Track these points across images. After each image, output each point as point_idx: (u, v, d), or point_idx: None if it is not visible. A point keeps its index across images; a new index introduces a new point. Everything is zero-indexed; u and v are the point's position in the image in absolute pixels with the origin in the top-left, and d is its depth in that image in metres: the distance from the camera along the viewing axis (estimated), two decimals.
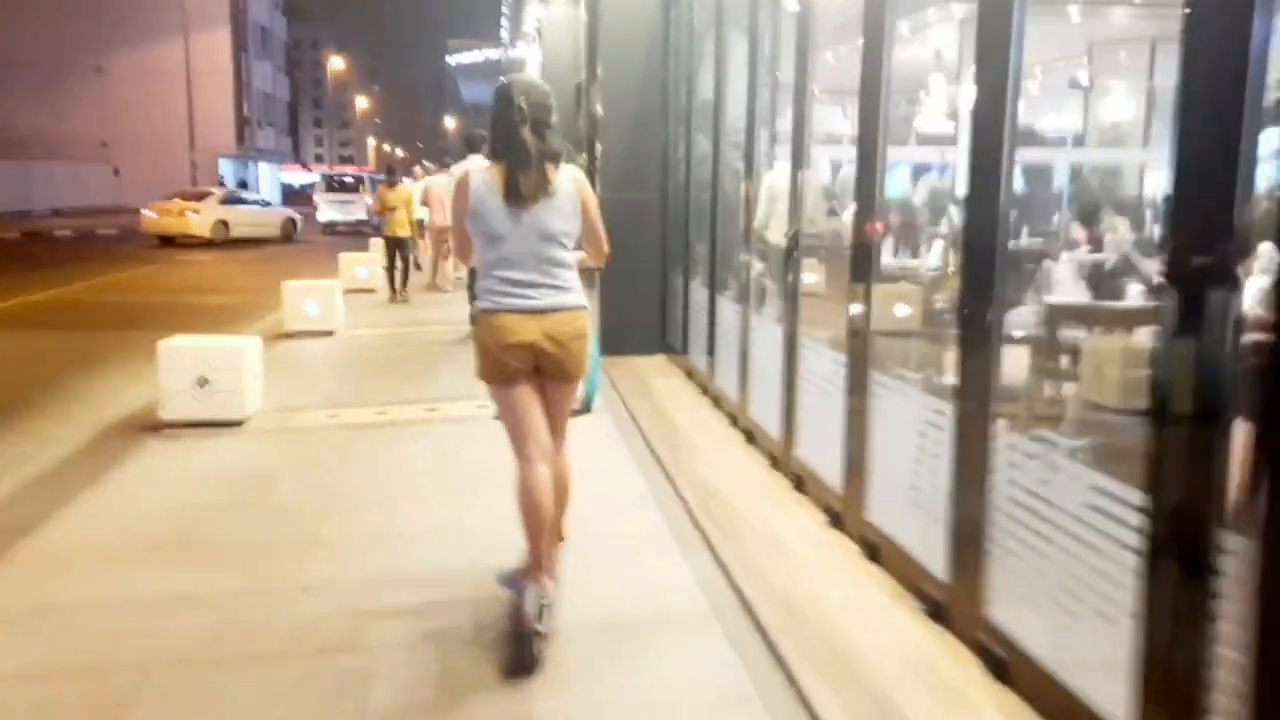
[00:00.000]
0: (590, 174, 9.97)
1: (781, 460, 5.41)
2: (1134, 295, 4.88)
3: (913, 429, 3.97)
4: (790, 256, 5.27)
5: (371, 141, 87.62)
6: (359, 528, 4.80)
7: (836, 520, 4.55)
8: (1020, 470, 3.20)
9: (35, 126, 44.57)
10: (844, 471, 4.48)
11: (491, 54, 31.10)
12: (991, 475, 3.30)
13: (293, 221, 29.01)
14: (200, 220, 25.84)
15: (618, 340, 8.95)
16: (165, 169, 45.20)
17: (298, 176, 51.87)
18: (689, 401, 7.22)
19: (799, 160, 5.21)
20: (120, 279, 18.04)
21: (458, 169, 9.02)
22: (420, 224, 14.73)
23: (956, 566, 3.51)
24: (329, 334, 10.73)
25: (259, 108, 55.68)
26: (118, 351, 10.09)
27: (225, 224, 26.30)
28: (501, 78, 3.77)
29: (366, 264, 14.78)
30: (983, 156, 3.27)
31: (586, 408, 4.17)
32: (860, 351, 4.35)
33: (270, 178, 55.93)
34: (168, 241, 25.87)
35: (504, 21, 26.15)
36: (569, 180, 3.57)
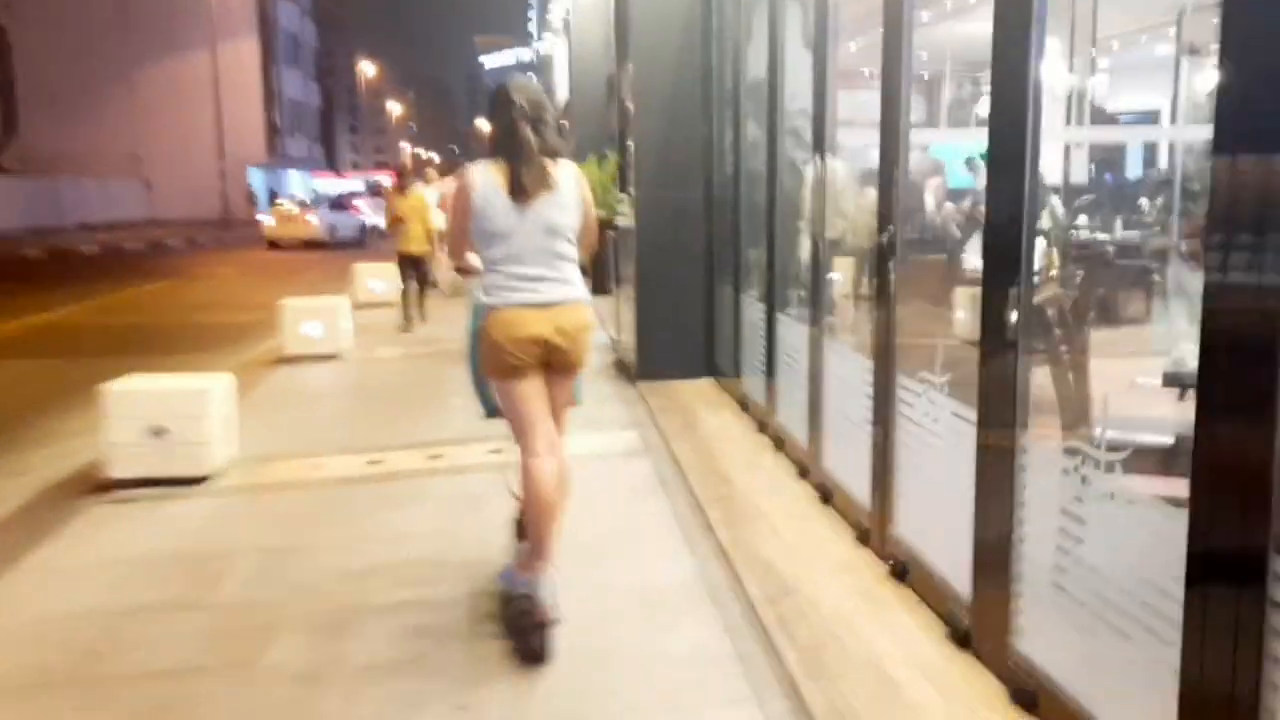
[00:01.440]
0: (622, 171, 8.78)
1: (873, 535, 4.14)
2: None
3: (1082, 509, 2.72)
4: (884, 264, 4.00)
5: (406, 147, 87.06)
6: (320, 642, 3.61)
7: (963, 639, 3.28)
8: None
9: (66, 143, 44.20)
10: (972, 569, 3.22)
11: (523, 54, 30.31)
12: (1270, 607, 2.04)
13: (364, 226, 31.95)
14: (319, 225, 29.37)
15: (658, 362, 7.75)
16: (195, 181, 44.72)
17: (333, 184, 50.75)
18: (745, 443, 5.96)
19: (891, 147, 3.94)
20: (134, 296, 17.13)
21: None
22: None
23: None
24: (333, 358, 9.60)
25: (289, 116, 55.05)
26: (100, 383, 9.02)
27: (334, 227, 29.91)
28: (512, 78, 3.77)
29: (382, 276, 13.67)
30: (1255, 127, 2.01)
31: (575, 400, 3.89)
32: (1001, 390, 3.07)
33: (302, 186, 55.32)
34: (275, 245, 28.76)
35: (531, 14, 25.12)
36: (569, 175, 3.64)
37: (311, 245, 28.46)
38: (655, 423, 6.48)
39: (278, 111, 52.17)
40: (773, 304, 5.91)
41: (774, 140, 5.89)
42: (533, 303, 3.52)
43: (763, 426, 6.08)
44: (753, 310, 6.58)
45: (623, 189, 8.49)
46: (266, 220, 30.77)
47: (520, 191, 3.51)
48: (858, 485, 4.35)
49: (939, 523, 3.59)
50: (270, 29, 50.92)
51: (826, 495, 4.78)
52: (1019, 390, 3.00)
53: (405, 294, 11.52)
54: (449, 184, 12.94)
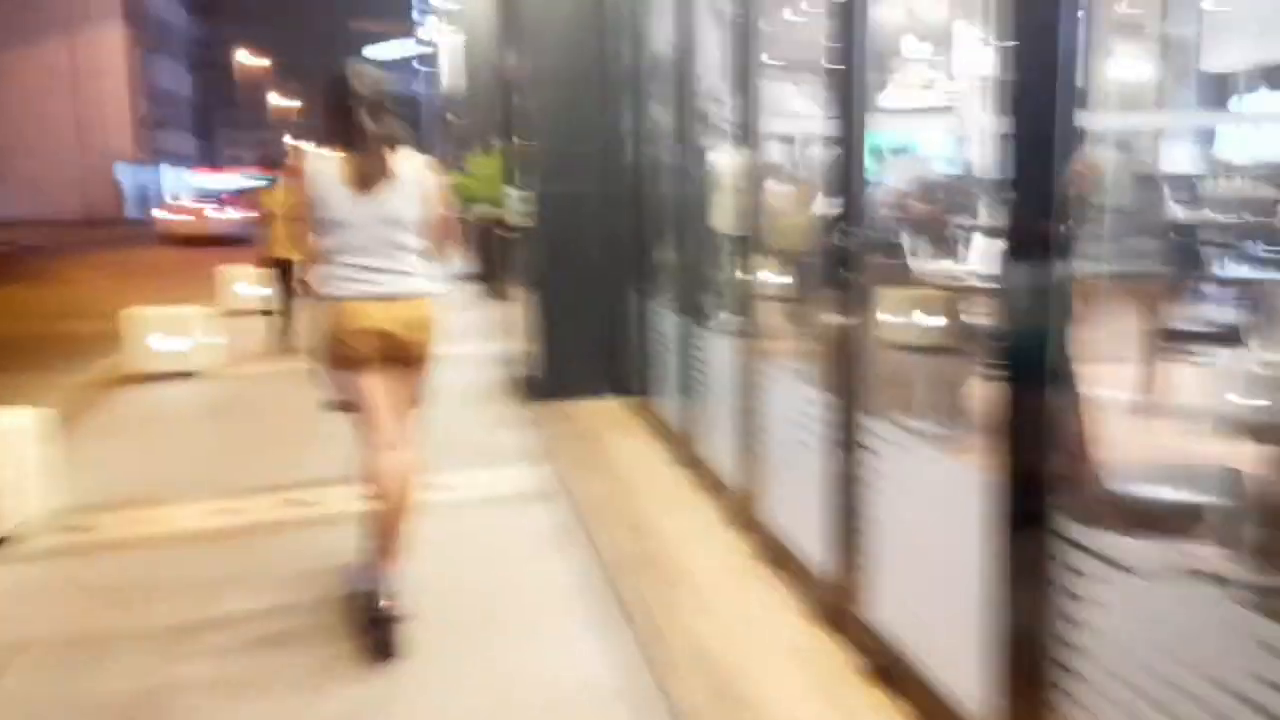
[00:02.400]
0: (509, 165, 7.89)
1: (835, 613, 3.35)
2: None
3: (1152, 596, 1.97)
4: (839, 270, 3.19)
5: (289, 140, 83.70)
6: None
7: None
8: None
9: None
10: (1000, 682, 2.43)
11: (408, 48, 29.01)
12: None
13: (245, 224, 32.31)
14: (214, 221, 29.81)
15: (558, 379, 6.88)
16: (55, 176, 41.98)
17: (214, 180, 47.35)
18: (662, 480, 5.13)
19: (847, 131, 3.13)
20: None
21: None
22: None
23: None
24: (190, 376, 8.46)
25: (162, 108, 52.19)
26: None
27: (224, 223, 29.99)
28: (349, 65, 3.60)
29: (251, 279, 12.41)
30: None
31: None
32: (1028, 429, 2.31)
33: (177, 184, 52.53)
34: (171, 240, 28.86)
35: (415, 3, 23.89)
36: (412, 165, 3.57)
37: (201, 241, 28.42)
38: (556, 454, 5.61)
39: (148, 103, 49.34)
40: (690, 313, 5.09)
41: (684, 127, 5.07)
42: (371, 295, 3.48)
43: (681, 457, 5.27)
44: (665, 320, 5.77)
45: (512, 183, 7.58)
46: (163, 216, 31.58)
47: (358, 181, 3.45)
48: (811, 541, 3.57)
49: (937, 603, 2.82)
50: (138, 13, 48.07)
51: (768, 551, 3.97)
52: (1053, 427, 2.22)
53: (274, 305, 9.69)
54: None
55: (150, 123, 49.95)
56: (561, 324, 6.89)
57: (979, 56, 10.50)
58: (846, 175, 3.14)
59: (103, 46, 44.44)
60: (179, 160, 55.26)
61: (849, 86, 3.13)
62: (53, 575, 4.23)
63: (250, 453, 6.09)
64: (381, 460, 3.52)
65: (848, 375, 3.17)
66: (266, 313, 9.59)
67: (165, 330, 8.56)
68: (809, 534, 3.53)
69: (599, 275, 6.93)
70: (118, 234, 36.11)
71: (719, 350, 4.76)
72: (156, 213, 32.55)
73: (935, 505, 2.82)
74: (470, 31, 16.05)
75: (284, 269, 9.45)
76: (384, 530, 3.52)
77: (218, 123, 76.59)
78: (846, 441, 3.21)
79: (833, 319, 3.22)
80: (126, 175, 46.64)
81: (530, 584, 3.95)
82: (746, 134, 4.24)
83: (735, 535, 4.26)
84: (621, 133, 6.68)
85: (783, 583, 3.75)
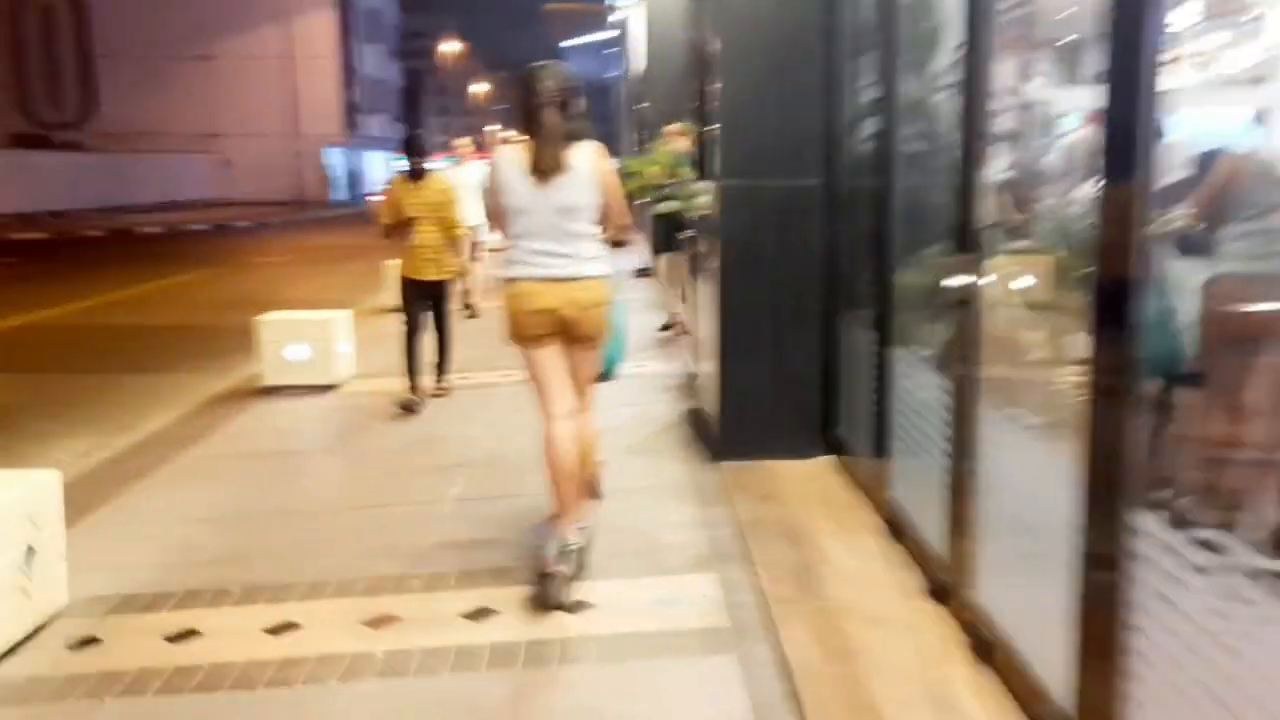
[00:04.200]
0: (702, 152, 6.30)
1: None
2: None
3: None
4: None
5: (490, 127, 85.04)
6: None
7: None
8: None
9: (141, 118, 43.13)
10: None
11: (603, 34, 27.88)
12: None
13: None
14: None
15: (750, 431, 5.27)
16: (270, 159, 43.42)
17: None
18: (912, 631, 3.37)
19: None
20: (163, 289, 15.23)
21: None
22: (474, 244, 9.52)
23: None
24: (325, 390, 7.32)
25: (369, 95, 53.39)
26: (46, 406, 7.11)
27: None
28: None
29: None
30: None
31: (607, 375, 4.06)
32: None
33: (383, 167, 53.65)
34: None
35: None
36: (586, 156, 3.76)
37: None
38: (748, 556, 3.98)
39: (356, 90, 50.54)
40: (957, 372, 3.31)
41: (976, 101, 3.29)
42: (544, 277, 3.74)
43: (940, 589, 3.51)
44: (915, 373, 4.03)
45: (702, 174, 5.98)
46: (376, 200, 33.29)
47: (537, 171, 3.69)
48: None
49: None
50: (348, 4, 49.23)
51: None
52: None
53: (409, 341, 6.84)
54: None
55: (359, 109, 51.22)
56: (757, 359, 5.25)
57: None
58: None
59: (315, 35, 45.66)
60: (387, 146, 56.61)
61: None
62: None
63: (340, 524, 4.69)
64: (554, 427, 3.80)
65: None
66: (410, 347, 6.87)
67: (302, 336, 7.45)
68: None
69: (810, 297, 5.24)
70: (323, 217, 36.83)
71: (1016, 443, 3.00)
72: (371, 197, 32.60)
73: None
74: (662, 6, 14.52)
75: (426, 295, 6.90)
76: (555, 491, 3.81)
77: (427, 109, 78.70)
78: None
79: None
80: (336, 159, 47.92)
81: None
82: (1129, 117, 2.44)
83: None
84: (856, 109, 4.98)
85: None
